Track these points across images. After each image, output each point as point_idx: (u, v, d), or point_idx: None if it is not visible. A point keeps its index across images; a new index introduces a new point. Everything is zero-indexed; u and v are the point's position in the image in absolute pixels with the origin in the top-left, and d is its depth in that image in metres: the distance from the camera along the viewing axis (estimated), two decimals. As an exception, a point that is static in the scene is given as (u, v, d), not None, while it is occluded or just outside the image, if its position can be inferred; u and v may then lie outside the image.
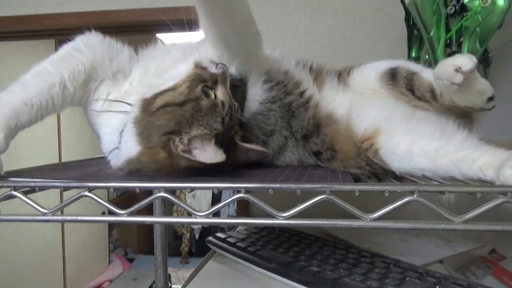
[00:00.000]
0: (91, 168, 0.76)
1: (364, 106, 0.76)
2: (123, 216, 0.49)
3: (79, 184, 0.50)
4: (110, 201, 3.52)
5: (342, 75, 0.86)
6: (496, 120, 0.83)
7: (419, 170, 0.64)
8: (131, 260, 4.07)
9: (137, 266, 3.92)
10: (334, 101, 0.80)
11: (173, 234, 4.09)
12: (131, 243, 4.30)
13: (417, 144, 0.64)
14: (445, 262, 0.98)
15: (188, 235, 4.05)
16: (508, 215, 0.53)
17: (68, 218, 0.50)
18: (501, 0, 0.91)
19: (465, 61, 0.63)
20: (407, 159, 0.65)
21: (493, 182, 0.55)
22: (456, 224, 0.47)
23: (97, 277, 3.60)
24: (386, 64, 0.81)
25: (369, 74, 0.82)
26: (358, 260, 0.82)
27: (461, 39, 1.01)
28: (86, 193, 0.49)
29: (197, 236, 4.06)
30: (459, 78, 0.64)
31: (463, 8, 0.99)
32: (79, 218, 0.50)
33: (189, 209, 0.49)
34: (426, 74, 0.77)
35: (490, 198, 0.48)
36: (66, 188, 0.51)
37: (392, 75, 0.79)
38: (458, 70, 0.63)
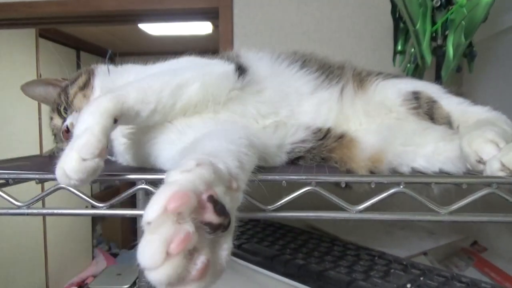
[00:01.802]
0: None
1: (390, 132, 0.72)
2: (102, 209, 0.47)
3: (55, 176, 0.48)
4: (93, 195, 3.47)
5: (363, 83, 0.81)
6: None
7: (414, 169, 0.64)
8: (115, 255, 4.02)
9: (121, 261, 3.87)
10: (354, 123, 0.76)
11: (159, 228, 4.05)
12: (115, 238, 4.25)
13: (419, 150, 0.65)
14: (429, 254, 0.99)
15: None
16: (494, 206, 0.53)
17: (44, 211, 0.48)
18: (486, -6, 0.91)
19: (489, 151, 0.54)
20: (406, 162, 0.65)
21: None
22: (442, 216, 0.47)
23: (80, 273, 3.56)
24: (408, 86, 0.77)
25: (392, 95, 0.77)
26: (343, 252, 0.82)
27: (447, 32, 1.01)
28: (62, 185, 0.47)
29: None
30: (481, 167, 0.56)
31: (449, 1, 1.00)
32: (56, 211, 0.48)
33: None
34: (445, 103, 0.73)
35: (478, 189, 0.48)
36: (42, 180, 0.49)
37: (416, 99, 0.75)
38: (480, 161, 0.55)
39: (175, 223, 0.30)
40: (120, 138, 0.66)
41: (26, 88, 0.82)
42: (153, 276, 0.30)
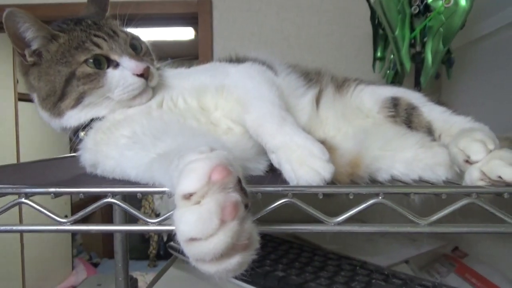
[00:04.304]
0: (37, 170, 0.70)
1: (368, 136, 0.71)
2: (65, 225, 0.44)
3: (15, 190, 0.45)
4: (75, 205, 3.35)
5: (341, 88, 0.81)
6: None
7: (393, 176, 0.63)
8: (96, 265, 3.93)
9: (102, 271, 3.78)
10: (332, 128, 0.75)
11: (141, 237, 3.98)
12: (95, 247, 4.15)
13: (398, 155, 0.65)
14: (410, 261, 0.98)
15: (156, 237, 3.96)
16: (474, 213, 0.52)
17: (2, 228, 0.45)
18: (464, 1, 0.92)
19: (477, 150, 0.52)
20: (386, 169, 0.65)
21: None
22: (422, 227, 0.45)
23: (59, 284, 3.46)
24: (388, 92, 0.76)
25: (369, 102, 0.77)
26: (324, 262, 0.80)
27: (425, 39, 1.02)
28: (23, 199, 0.44)
29: (165, 239, 3.97)
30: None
31: (427, 8, 1.00)
32: (14, 228, 0.45)
33: (140, 216, 0.45)
34: (426, 110, 0.71)
35: (457, 199, 0.47)
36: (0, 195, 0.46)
37: (395, 106, 0.74)
38: (468, 160, 0.53)
39: (223, 191, 0.30)
40: (89, 141, 0.63)
41: None
42: (203, 247, 0.29)
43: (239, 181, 0.34)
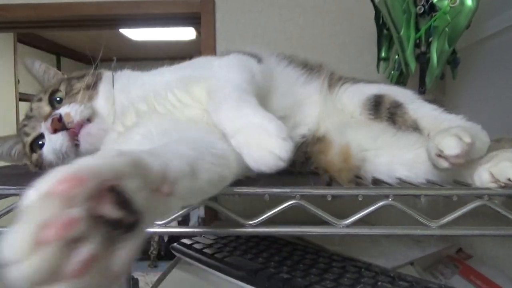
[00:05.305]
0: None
1: (353, 130, 0.70)
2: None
3: (17, 191, 0.44)
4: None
5: (331, 86, 0.79)
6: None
7: (397, 179, 0.63)
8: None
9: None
10: (325, 123, 0.74)
11: (141, 237, 3.97)
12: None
13: (397, 156, 0.64)
14: (415, 263, 0.97)
15: (156, 238, 3.95)
16: (478, 215, 0.52)
17: (4, 230, 0.44)
18: (470, 0, 0.91)
19: (450, 144, 0.50)
20: (387, 172, 0.64)
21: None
22: (432, 229, 0.45)
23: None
24: (373, 89, 0.73)
25: (353, 98, 0.75)
26: (329, 264, 0.79)
27: (430, 39, 1.01)
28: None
29: (166, 239, 3.97)
30: (444, 164, 0.52)
31: (432, 8, 0.99)
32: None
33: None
34: (412, 108, 0.68)
35: (467, 200, 0.46)
36: (1, 196, 0.45)
37: (376, 103, 0.71)
38: (440, 154, 0.51)
39: (56, 207, 0.23)
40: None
41: (29, 61, 0.79)
42: (15, 272, 0.22)
43: (115, 191, 0.27)
